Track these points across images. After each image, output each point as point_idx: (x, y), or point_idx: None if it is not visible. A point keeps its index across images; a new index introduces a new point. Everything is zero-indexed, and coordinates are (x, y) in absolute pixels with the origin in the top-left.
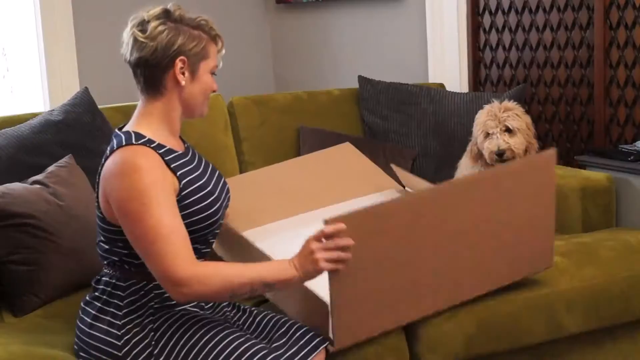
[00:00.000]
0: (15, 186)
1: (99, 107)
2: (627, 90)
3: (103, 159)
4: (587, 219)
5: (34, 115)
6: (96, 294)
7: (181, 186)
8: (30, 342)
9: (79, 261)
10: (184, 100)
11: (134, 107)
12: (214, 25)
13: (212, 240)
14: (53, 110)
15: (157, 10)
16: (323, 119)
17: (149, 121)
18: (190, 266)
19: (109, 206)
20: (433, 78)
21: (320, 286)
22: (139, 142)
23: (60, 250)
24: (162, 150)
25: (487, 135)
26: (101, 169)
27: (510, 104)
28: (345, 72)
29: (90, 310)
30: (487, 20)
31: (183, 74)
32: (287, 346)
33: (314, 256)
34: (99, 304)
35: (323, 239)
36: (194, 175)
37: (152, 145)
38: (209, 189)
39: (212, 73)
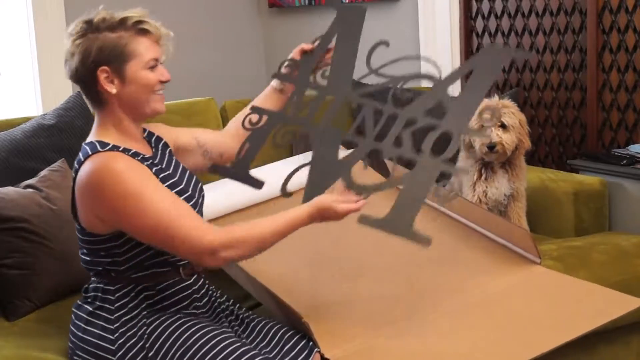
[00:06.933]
0: (8, 190)
1: (92, 111)
2: (619, 94)
3: (73, 173)
4: (579, 223)
5: (27, 119)
6: (87, 299)
7: None
8: (23, 346)
9: (72, 265)
10: (126, 105)
11: None
12: (145, 17)
13: None
14: (46, 114)
15: (77, 23)
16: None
17: (107, 131)
18: (218, 232)
19: (93, 217)
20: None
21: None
22: (105, 149)
23: (52, 255)
24: (129, 153)
25: (482, 127)
26: (74, 184)
27: (508, 102)
28: None
29: (82, 314)
30: (479, 24)
31: (112, 82)
32: (280, 355)
33: (333, 209)
34: (91, 308)
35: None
36: (164, 174)
37: (118, 150)
38: (181, 186)
39: (154, 65)
